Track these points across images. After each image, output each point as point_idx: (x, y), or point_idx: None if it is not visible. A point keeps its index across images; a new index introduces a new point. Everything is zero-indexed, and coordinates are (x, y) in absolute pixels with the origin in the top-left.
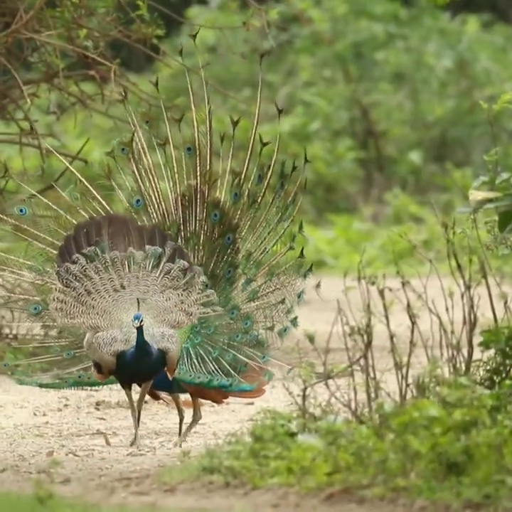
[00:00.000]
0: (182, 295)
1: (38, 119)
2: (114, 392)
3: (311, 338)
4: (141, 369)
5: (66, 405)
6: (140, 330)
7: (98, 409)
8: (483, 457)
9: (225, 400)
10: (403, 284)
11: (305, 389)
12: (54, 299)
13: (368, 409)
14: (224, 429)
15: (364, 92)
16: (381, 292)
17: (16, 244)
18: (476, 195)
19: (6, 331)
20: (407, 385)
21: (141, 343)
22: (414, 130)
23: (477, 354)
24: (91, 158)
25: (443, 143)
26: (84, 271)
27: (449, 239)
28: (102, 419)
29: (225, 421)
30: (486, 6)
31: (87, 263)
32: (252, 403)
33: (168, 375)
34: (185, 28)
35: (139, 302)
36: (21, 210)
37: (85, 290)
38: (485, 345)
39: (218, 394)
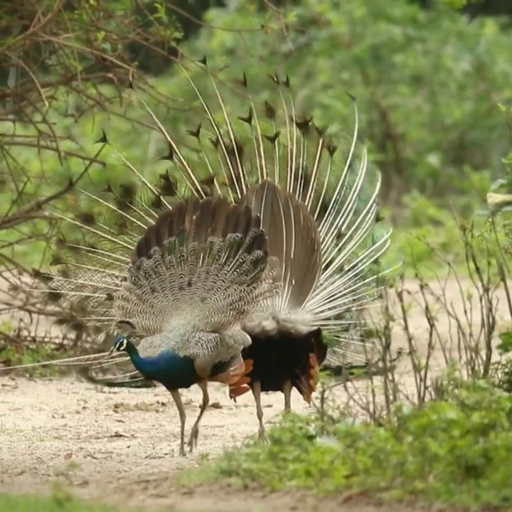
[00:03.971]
0: (244, 291)
1: (56, 122)
2: (132, 394)
3: (329, 341)
4: (168, 377)
5: (84, 408)
6: (129, 350)
7: (116, 412)
8: (502, 460)
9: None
10: (421, 286)
11: (323, 392)
12: (119, 297)
13: (386, 411)
14: (242, 432)
15: (382, 95)
16: (399, 295)
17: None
18: (495, 197)
19: (25, 333)
20: (426, 388)
21: (138, 362)
22: (432, 133)
23: (495, 357)
24: (109, 161)
25: (461, 145)
26: (156, 267)
27: (468, 242)
28: (121, 421)
29: (244, 423)
30: (504, 9)
31: (161, 258)
32: (270, 406)
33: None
34: (203, 31)
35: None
36: None
37: (151, 288)
38: (503, 347)
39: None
